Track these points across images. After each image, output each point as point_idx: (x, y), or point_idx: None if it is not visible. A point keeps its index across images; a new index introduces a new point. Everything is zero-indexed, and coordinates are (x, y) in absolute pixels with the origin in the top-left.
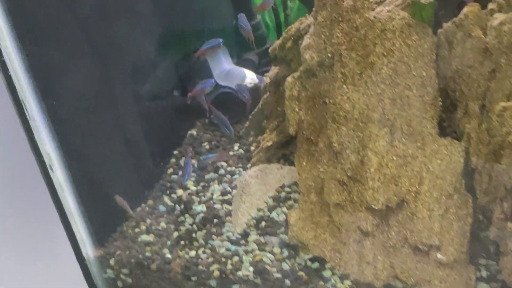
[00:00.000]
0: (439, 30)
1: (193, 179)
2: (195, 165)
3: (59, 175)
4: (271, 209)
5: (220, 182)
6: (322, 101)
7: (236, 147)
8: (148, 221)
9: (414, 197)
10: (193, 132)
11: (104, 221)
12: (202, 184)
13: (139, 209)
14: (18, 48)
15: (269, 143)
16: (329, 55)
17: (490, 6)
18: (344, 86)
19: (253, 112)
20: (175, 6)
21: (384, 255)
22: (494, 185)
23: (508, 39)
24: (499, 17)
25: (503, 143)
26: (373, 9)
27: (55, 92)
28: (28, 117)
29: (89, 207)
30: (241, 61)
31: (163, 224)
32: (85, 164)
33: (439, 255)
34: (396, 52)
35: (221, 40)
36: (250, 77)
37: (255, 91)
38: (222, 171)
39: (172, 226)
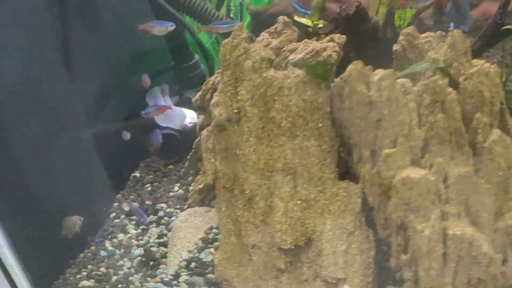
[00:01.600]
0: (332, 84)
1: (133, 222)
2: (137, 209)
3: None
4: (200, 250)
5: (158, 225)
6: (234, 153)
7: (176, 188)
8: (90, 266)
9: (319, 236)
10: (137, 174)
11: (47, 270)
12: (142, 227)
13: (81, 255)
14: None
15: (201, 186)
16: (236, 111)
17: (395, 47)
18: (251, 139)
19: (191, 153)
20: (114, 54)
21: None
22: (388, 221)
23: (387, 93)
24: (379, 73)
25: (390, 184)
26: (279, 63)
27: None
28: None
29: (29, 258)
30: (181, 100)
31: (103, 269)
32: (23, 216)
33: (346, 286)
34: (293, 107)
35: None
36: (190, 116)
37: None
38: (161, 213)
39: (111, 271)
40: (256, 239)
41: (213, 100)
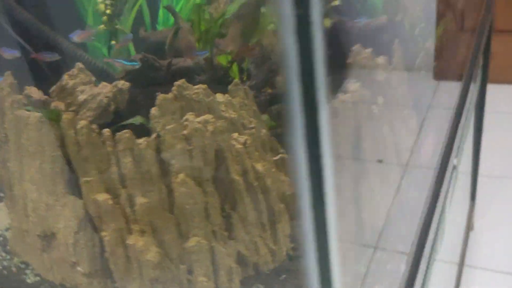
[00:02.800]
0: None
1: None
2: None
3: None
4: (7, 230)
5: None
6: (8, 165)
7: None
8: None
9: (58, 231)
10: None
11: None
12: None
13: None
14: None
15: None
16: (4, 135)
17: (169, 96)
18: (13, 157)
19: None
20: None
21: (58, 266)
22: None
23: (85, 137)
24: (81, 123)
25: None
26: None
27: None
28: None
29: None
30: None
31: None
32: None
33: (79, 268)
34: (34, 138)
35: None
36: None
37: None
38: None
39: None
40: (26, 226)
41: None
